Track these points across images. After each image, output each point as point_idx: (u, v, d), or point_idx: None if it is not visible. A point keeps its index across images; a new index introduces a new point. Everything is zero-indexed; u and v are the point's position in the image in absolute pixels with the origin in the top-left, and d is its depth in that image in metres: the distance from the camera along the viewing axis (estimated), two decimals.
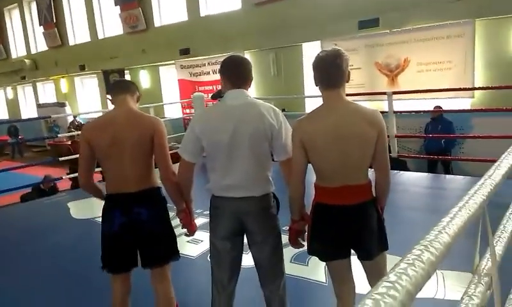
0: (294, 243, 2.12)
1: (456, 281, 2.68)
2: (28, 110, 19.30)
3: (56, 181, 7.34)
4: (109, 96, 2.31)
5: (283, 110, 9.33)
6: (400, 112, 6.29)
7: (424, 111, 6.92)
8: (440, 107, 6.86)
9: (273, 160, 2.08)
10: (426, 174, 6.23)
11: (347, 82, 1.96)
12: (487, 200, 0.85)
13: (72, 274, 3.31)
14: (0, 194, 5.97)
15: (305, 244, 2.08)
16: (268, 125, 1.95)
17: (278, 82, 9.97)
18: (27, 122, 16.02)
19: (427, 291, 2.60)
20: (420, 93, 6.65)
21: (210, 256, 2.11)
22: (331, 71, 1.88)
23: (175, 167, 2.14)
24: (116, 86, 2.32)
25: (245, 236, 2.07)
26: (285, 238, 2.14)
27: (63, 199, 5.71)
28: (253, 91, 10.52)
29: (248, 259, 2.16)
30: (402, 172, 5.88)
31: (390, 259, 1.84)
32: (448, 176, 6.01)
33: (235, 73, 2.03)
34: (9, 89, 20.09)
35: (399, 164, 6.40)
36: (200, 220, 2.96)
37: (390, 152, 5.95)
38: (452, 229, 0.64)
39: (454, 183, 5.39)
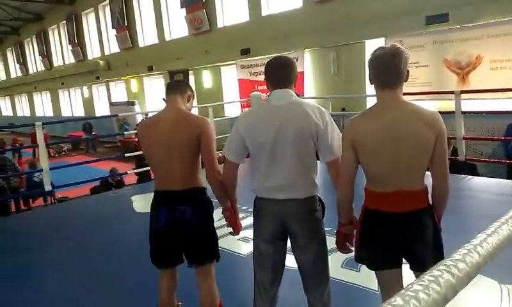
0: (342, 247, 2.05)
1: None
2: (102, 108, 20.63)
3: (122, 176, 7.77)
4: (164, 97, 2.38)
5: (343, 109, 9.22)
6: (469, 112, 5.86)
7: (496, 112, 6.39)
8: None
9: (318, 159, 2.02)
10: (499, 180, 5.69)
11: (406, 81, 1.84)
12: None
13: (129, 266, 3.48)
14: (73, 186, 6.47)
15: (353, 249, 2.01)
16: (313, 125, 1.90)
17: (338, 81, 9.76)
18: (102, 119, 17.16)
19: (490, 305, 2.40)
20: (492, 92, 6.16)
21: (253, 257, 2.11)
22: (388, 70, 1.78)
23: (222, 167, 2.17)
24: (168, 86, 2.38)
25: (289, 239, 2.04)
26: (333, 242, 2.08)
27: (127, 193, 6.03)
28: (311, 90, 10.41)
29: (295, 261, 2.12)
30: (471, 177, 5.47)
31: None
32: None
33: (277, 75, 2.02)
34: (85, 88, 21.63)
35: (468, 168, 5.98)
36: (249, 220, 2.97)
37: (457, 155, 5.61)
38: (486, 248, 0.57)
39: None
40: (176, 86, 2.37)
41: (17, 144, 12.59)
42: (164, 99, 2.36)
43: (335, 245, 2.07)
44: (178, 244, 2.22)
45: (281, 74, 2.01)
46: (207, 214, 2.24)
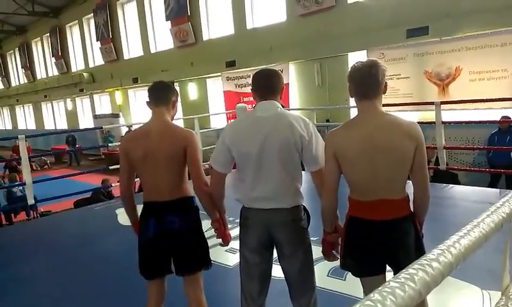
0: (328, 255, 2.08)
1: None
2: (86, 121, 20.46)
3: (110, 188, 7.70)
4: (147, 99, 2.33)
5: (327, 120, 9.31)
6: (449, 122, 6.02)
7: (475, 122, 6.57)
8: (508, 118, 6.41)
9: (303, 170, 2.06)
10: (480, 188, 5.82)
11: (384, 93, 1.90)
12: (509, 218, 0.80)
13: (114, 278, 3.46)
14: (57, 200, 6.38)
15: (339, 256, 2.05)
16: (298, 136, 1.94)
17: (322, 92, 9.90)
18: (85, 132, 17.02)
19: None
20: (471, 102, 6.34)
21: (240, 268, 2.12)
22: (366, 82, 1.84)
23: (209, 179, 2.19)
24: (152, 95, 2.32)
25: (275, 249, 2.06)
26: (319, 252, 2.11)
27: (112, 206, 5.96)
28: (296, 102, 10.53)
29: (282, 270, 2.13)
30: (452, 185, 5.59)
31: None
32: (506, 191, 5.60)
33: (263, 86, 2.05)
34: (68, 101, 21.41)
35: (450, 177, 6.11)
36: (236, 231, 2.98)
37: (438, 164, 5.71)
38: (458, 249, 0.61)
39: None
40: (160, 96, 2.30)
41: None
42: (147, 102, 2.33)
43: (321, 255, 2.10)
44: (168, 254, 2.22)
45: (267, 85, 2.05)
46: (195, 223, 2.26)
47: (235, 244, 3.01)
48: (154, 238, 2.19)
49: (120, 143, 2.45)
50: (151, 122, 2.28)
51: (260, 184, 1.97)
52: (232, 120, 10.92)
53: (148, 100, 2.33)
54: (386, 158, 1.78)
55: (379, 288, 0.49)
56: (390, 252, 1.84)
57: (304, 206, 2.06)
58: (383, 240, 1.83)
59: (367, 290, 1.96)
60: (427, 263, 0.56)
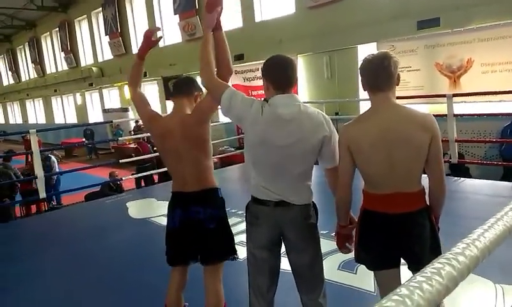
0: (342, 247, 2.08)
1: None
2: (95, 115, 20.57)
3: (120, 181, 7.78)
4: (171, 91, 2.42)
5: (336, 113, 9.24)
6: (461, 115, 5.94)
7: (488, 114, 6.48)
8: None
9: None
10: (491, 181, 5.73)
11: (397, 85, 1.88)
12: None
13: (118, 275, 3.47)
14: (69, 193, 6.45)
15: (353, 249, 2.04)
16: (321, 137, 1.89)
17: (331, 85, 9.84)
18: (94, 126, 17.14)
19: (485, 305, 2.44)
20: (483, 95, 6.25)
21: (248, 263, 2.09)
22: (378, 74, 1.81)
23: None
24: (175, 87, 2.43)
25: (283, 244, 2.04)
26: (329, 245, 2.10)
27: (123, 199, 6.01)
28: (305, 94, 10.48)
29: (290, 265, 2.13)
30: (464, 179, 5.54)
31: None
32: None
33: (280, 76, 1.91)
34: (78, 95, 21.55)
35: (461, 170, 6.06)
36: (243, 225, 2.99)
37: (450, 158, 5.65)
38: (483, 242, 0.60)
39: None
40: (183, 87, 2.39)
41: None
42: (169, 94, 2.39)
43: (332, 248, 2.09)
44: (192, 244, 2.27)
45: (284, 76, 1.90)
46: (220, 214, 2.29)
47: (243, 238, 3.02)
48: (180, 227, 2.26)
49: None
50: (172, 115, 2.33)
51: (274, 183, 1.93)
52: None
53: (171, 91, 2.39)
54: (404, 151, 1.76)
55: (406, 283, 0.48)
56: (406, 245, 1.83)
57: (313, 202, 2.03)
58: (398, 233, 1.81)
59: (381, 283, 1.95)
60: (453, 257, 0.55)
